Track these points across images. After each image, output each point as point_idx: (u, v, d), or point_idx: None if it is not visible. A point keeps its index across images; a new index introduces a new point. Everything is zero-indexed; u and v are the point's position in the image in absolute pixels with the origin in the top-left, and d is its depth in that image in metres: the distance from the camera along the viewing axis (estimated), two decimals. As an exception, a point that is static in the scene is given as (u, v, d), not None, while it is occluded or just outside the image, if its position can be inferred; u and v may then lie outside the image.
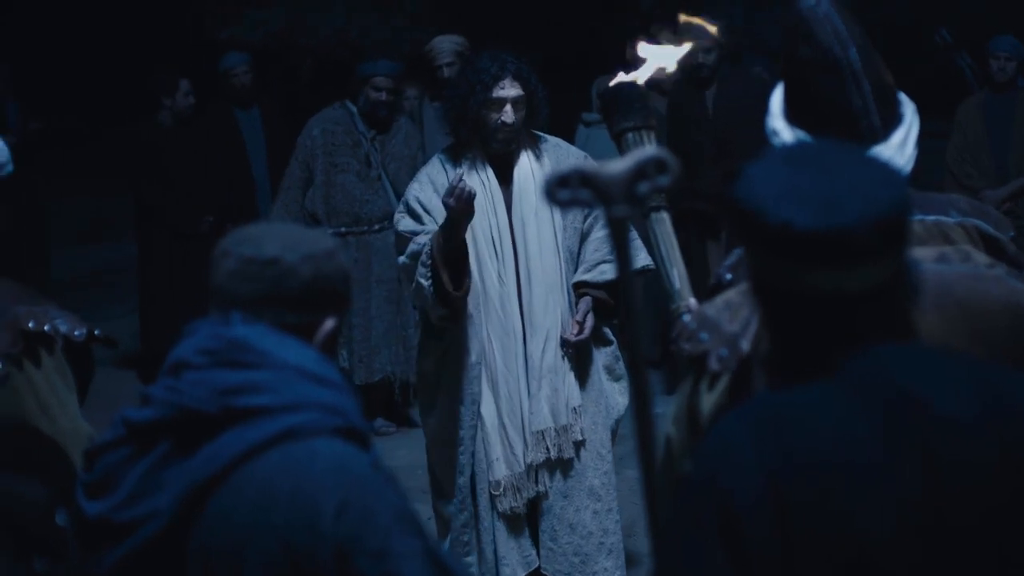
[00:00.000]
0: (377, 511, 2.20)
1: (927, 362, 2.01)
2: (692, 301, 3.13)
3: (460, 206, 4.58)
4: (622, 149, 3.28)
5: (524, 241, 4.89)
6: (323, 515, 2.17)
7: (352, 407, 2.31)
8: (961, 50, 9.51)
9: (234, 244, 2.34)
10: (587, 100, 9.24)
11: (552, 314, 4.90)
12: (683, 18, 3.41)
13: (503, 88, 4.80)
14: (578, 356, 4.95)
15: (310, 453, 2.22)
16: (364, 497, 2.21)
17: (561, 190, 2.13)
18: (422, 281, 4.78)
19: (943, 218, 2.72)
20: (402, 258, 4.92)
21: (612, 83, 3.33)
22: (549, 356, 4.90)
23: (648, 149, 2.15)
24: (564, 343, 4.89)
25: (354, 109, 7.68)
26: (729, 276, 2.77)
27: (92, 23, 14.42)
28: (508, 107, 4.81)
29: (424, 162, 5.43)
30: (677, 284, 3.21)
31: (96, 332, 3.50)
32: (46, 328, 3.40)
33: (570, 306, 4.95)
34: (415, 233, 4.84)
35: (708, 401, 2.51)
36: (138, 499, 2.24)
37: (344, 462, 2.23)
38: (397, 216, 5.04)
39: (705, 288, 3.21)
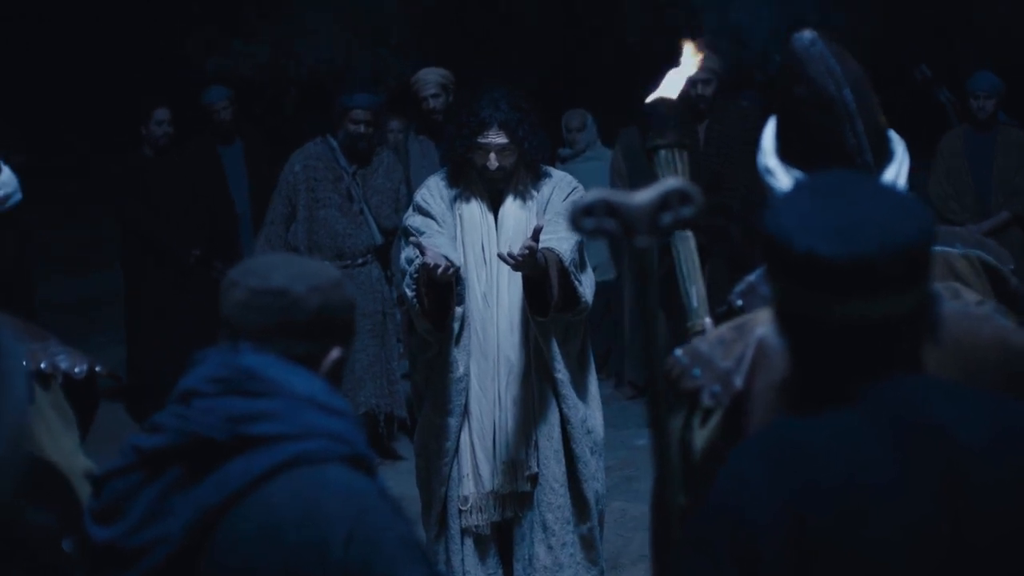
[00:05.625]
0: (385, 539, 2.23)
1: (945, 392, 2.04)
2: (708, 320, 3.13)
3: (439, 276, 4.62)
4: (652, 166, 3.27)
5: (498, 274, 4.93)
6: (332, 542, 2.20)
7: (358, 435, 2.34)
8: (941, 85, 9.57)
9: (242, 275, 2.38)
10: (559, 134, 9.13)
11: (515, 349, 4.93)
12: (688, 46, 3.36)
13: (486, 137, 4.85)
14: (538, 391, 4.96)
15: (319, 480, 2.25)
16: (372, 525, 2.24)
17: (586, 219, 2.14)
18: (407, 292, 4.84)
19: (949, 249, 2.74)
20: (402, 259, 4.97)
21: (649, 99, 3.32)
22: (514, 390, 4.93)
23: (671, 180, 2.17)
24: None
25: (335, 143, 7.65)
26: (740, 302, 2.78)
27: (80, 54, 14.42)
28: (492, 155, 4.86)
29: (408, 195, 5.42)
30: (695, 303, 3.22)
31: (98, 368, 3.47)
32: (43, 366, 3.37)
33: (531, 348, 4.95)
34: (420, 232, 4.86)
35: (700, 437, 2.51)
36: (147, 525, 2.26)
37: (352, 490, 2.26)
38: (406, 215, 5.08)
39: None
